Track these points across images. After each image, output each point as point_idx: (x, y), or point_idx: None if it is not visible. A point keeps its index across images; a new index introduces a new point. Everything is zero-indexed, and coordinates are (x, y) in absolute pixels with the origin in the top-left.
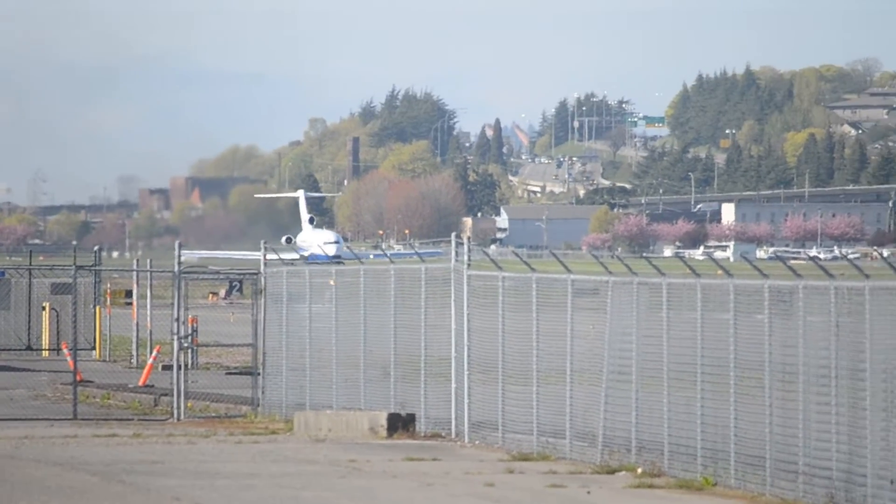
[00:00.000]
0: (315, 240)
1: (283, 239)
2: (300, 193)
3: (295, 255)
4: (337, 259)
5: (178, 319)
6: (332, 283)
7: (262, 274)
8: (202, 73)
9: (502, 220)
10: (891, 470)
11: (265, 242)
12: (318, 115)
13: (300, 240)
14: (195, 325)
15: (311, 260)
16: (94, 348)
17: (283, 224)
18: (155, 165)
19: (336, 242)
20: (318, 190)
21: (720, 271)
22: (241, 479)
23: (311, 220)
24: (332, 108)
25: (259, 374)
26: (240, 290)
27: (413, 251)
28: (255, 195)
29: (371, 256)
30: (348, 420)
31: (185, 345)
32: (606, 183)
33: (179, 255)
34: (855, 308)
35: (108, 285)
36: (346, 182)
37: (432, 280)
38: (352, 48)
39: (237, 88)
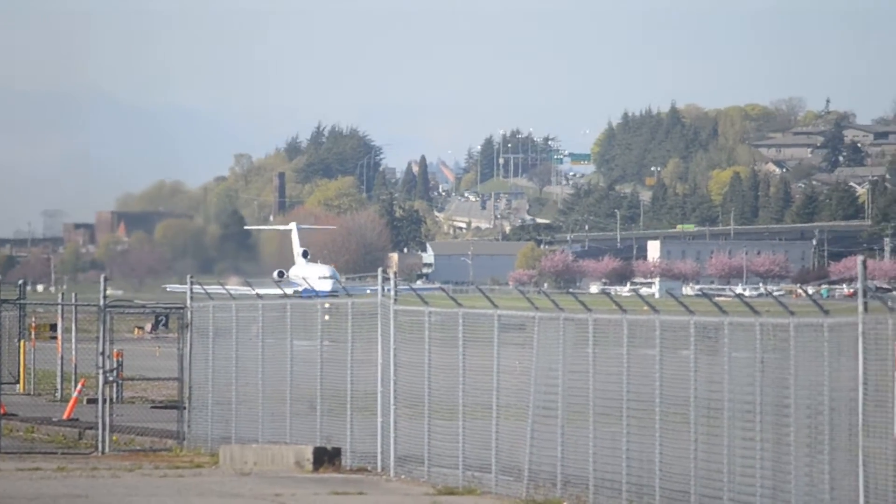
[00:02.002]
0: (309, 274)
1: (276, 273)
2: (293, 226)
3: (288, 290)
4: (334, 295)
5: (103, 353)
6: (327, 318)
7: (188, 308)
8: (124, 108)
9: (428, 256)
10: None
11: (191, 277)
12: (244, 151)
13: (293, 274)
14: (120, 358)
15: (305, 295)
16: (18, 382)
17: (209, 258)
18: (80, 200)
19: (332, 277)
20: (243, 224)
21: (646, 307)
22: None
23: (304, 254)
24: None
25: (185, 407)
26: (166, 324)
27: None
28: (245, 227)
29: (368, 291)
30: (274, 454)
31: (111, 378)
32: (532, 219)
33: (105, 289)
34: (780, 344)
35: (33, 319)
36: (271, 217)
37: (359, 315)
38: (277, 84)
39: (161, 124)
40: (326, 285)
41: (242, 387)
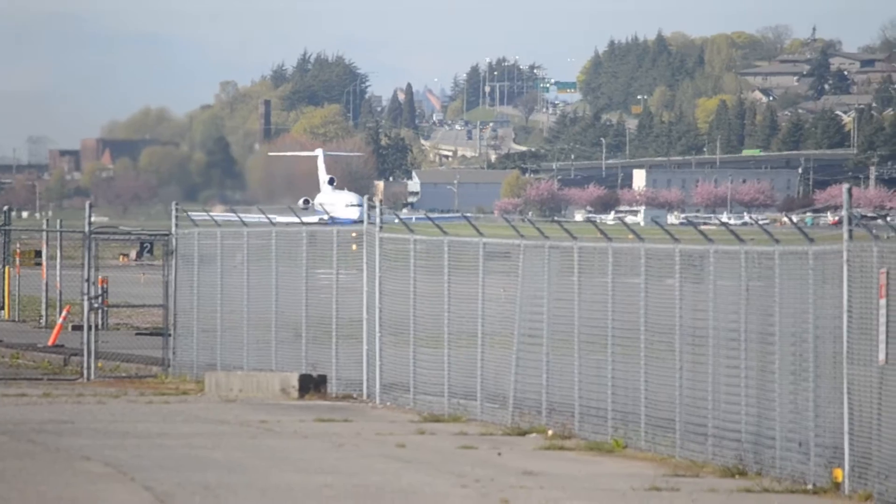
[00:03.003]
0: (336, 201)
1: (301, 201)
2: (319, 152)
3: (313, 219)
4: (360, 222)
5: (88, 280)
6: (354, 248)
7: (173, 235)
8: (110, 35)
9: (414, 184)
10: (799, 432)
11: (176, 203)
12: (230, 78)
13: (319, 202)
14: (105, 285)
15: (332, 224)
16: (3, 308)
17: (194, 185)
18: (65, 127)
19: (359, 205)
20: (229, 152)
21: (631, 235)
22: (151, 438)
23: (330, 181)
24: (244, 72)
25: (170, 334)
26: (150, 251)
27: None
28: (269, 153)
29: (396, 221)
30: (259, 381)
31: (96, 305)
32: (518, 148)
33: (90, 216)
34: (765, 272)
35: (18, 245)
36: (257, 145)
37: (344, 242)
38: (263, 10)
39: (147, 50)
40: (353, 213)
41: (228, 314)
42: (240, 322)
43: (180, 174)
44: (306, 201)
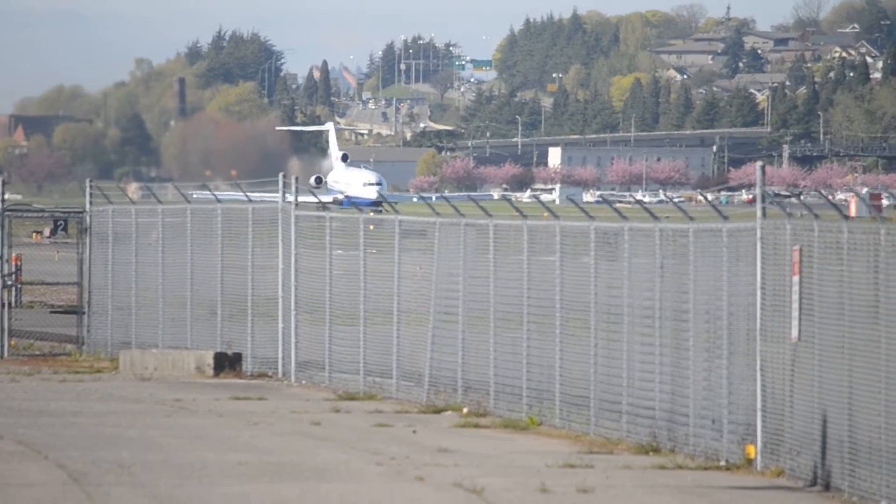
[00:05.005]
0: (351, 180)
1: (313, 179)
2: (329, 126)
3: (327, 198)
4: (378, 203)
5: (1, 258)
6: (371, 228)
7: (87, 213)
8: (24, 10)
9: (329, 162)
10: (712, 410)
11: (90, 180)
12: (145, 56)
13: (332, 180)
14: (19, 263)
15: (348, 204)
16: None
17: (109, 162)
18: None
19: (378, 184)
20: (144, 129)
21: (547, 213)
22: (65, 416)
23: (344, 158)
24: (158, 49)
25: (84, 312)
26: (65, 228)
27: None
28: (277, 127)
29: (414, 199)
30: (174, 359)
31: (9, 283)
32: (434, 126)
33: (3, 193)
34: (679, 250)
35: None
36: (172, 123)
37: (260, 220)
38: None
39: (61, 27)
40: (371, 193)
41: (142, 292)
42: (155, 300)
43: (95, 151)
44: (318, 179)
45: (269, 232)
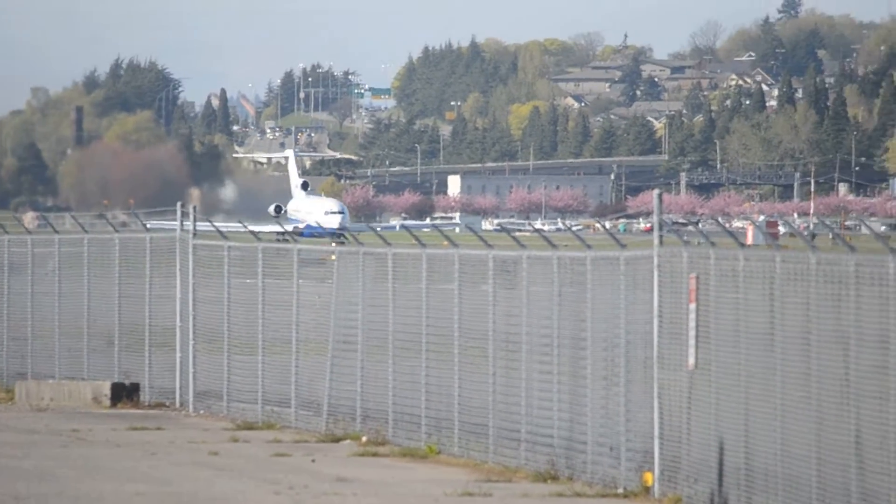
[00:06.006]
0: (312, 209)
1: (272, 208)
2: (289, 153)
3: (286, 227)
4: (341, 233)
5: None
6: (333, 258)
7: None
8: None
9: (228, 191)
10: (610, 437)
11: None
12: (41, 84)
13: (292, 209)
14: None
15: (309, 234)
16: None
17: (5, 191)
18: None
19: (341, 213)
20: (41, 158)
21: (446, 242)
22: None
23: (304, 186)
24: (55, 77)
25: None
26: None
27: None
28: (235, 155)
29: (379, 229)
30: (71, 389)
31: None
32: (333, 154)
33: None
34: (577, 278)
35: None
36: (69, 151)
37: (158, 250)
38: (75, 16)
39: None
40: (334, 221)
41: (39, 322)
42: (51, 330)
43: None
44: (278, 208)
45: (167, 261)
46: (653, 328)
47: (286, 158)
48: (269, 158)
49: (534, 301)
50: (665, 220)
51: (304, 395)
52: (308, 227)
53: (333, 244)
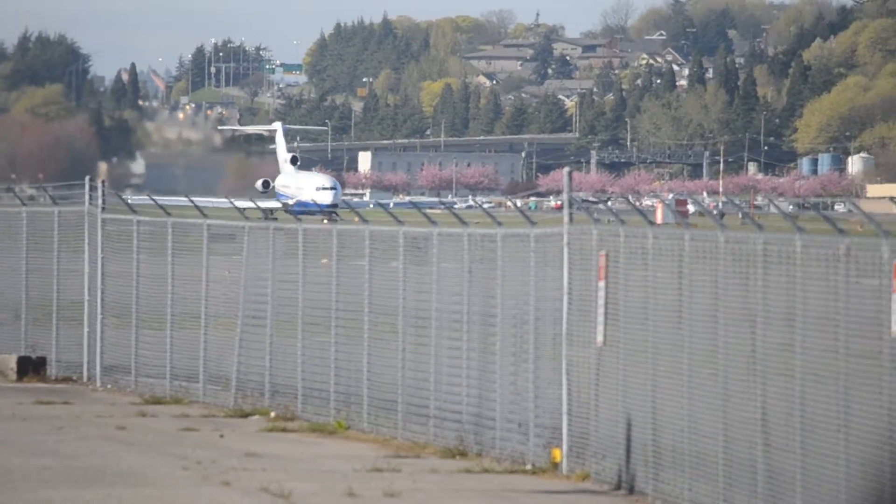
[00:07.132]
0: (303, 184)
1: (260, 183)
2: (277, 126)
3: (276, 204)
4: (333, 209)
5: None
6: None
7: None
8: None
9: (138, 166)
10: (519, 413)
11: None
12: None
13: (281, 184)
14: None
15: (300, 210)
16: None
17: None
18: None
19: (333, 189)
20: None
21: (356, 218)
22: None
23: (293, 160)
24: None
25: None
26: None
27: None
28: (220, 127)
29: (371, 206)
30: None
31: None
32: (244, 129)
33: None
34: (487, 255)
35: None
36: None
37: (66, 224)
38: None
39: None
40: (326, 197)
41: None
42: None
43: None
44: (266, 183)
45: (76, 236)
46: (562, 305)
47: (273, 131)
48: (180, 133)
49: (444, 277)
50: (575, 198)
51: (213, 370)
52: (299, 202)
53: (325, 221)
